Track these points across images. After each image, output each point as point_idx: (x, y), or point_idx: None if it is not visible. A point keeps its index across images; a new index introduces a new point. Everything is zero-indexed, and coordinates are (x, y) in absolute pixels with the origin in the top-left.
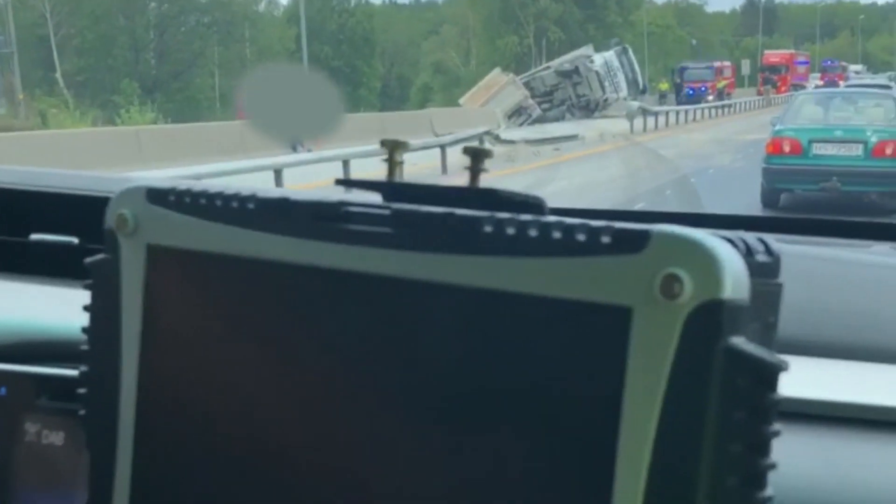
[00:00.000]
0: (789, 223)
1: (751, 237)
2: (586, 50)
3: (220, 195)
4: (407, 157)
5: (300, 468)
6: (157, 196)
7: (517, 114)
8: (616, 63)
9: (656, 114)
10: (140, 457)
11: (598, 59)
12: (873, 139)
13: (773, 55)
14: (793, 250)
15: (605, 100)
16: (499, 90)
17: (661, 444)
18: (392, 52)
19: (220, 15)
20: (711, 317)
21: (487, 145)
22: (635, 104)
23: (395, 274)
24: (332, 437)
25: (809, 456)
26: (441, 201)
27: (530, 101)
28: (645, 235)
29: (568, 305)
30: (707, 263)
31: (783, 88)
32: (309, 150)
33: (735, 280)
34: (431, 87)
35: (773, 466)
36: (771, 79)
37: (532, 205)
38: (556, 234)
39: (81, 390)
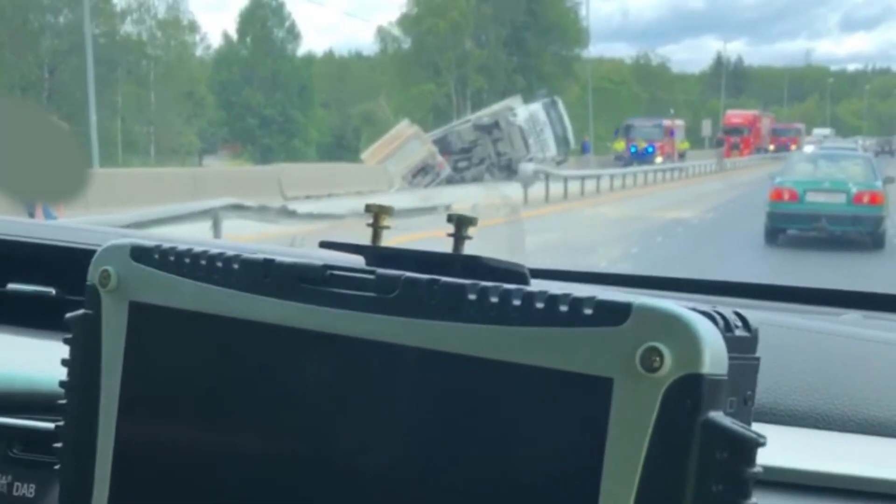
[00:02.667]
0: (766, 290)
1: (729, 312)
2: (512, 102)
3: (204, 254)
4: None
5: None
6: (142, 254)
7: (423, 172)
8: (543, 117)
9: (566, 179)
10: None
11: (522, 112)
12: (853, 189)
13: (735, 115)
14: (767, 318)
15: (530, 159)
16: (400, 145)
17: None
18: (349, 101)
19: (119, 54)
20: (691, 391)
21: (237, 219)
22: (530, 167)
23: (380, 338)
24: (315, 497)
25: None
26: (425, 267)
27: (439, 159)
28: (626, 308)
29: (550, 374)
30: (687, 338)
31: (746, 151)
32: (53, 218)
33: (714, 355)
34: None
35: None
36: (733, 141)
37: (515, 273)
38: (539, 304)
39: (58, 445)
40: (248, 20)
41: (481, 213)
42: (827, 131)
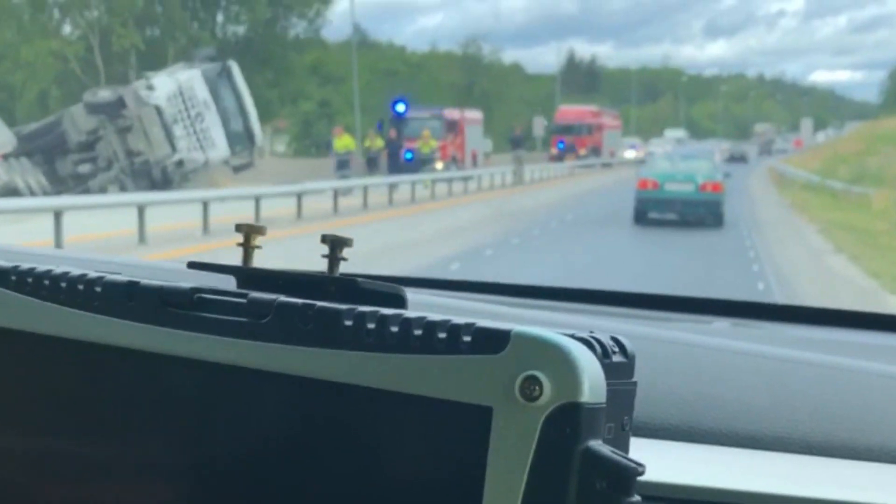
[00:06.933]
0: (638, 299)
1: (606, 337)
2: (177, 69)
3: (64, 276)
4: None
5: None
6: None
7: None
8: (203, 94)
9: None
10: None
11: (166, 84)
12: (699, 180)
13: (569, 111)
14: (640, 331)
15: (179, 162)
16: None
17: None
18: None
19: None
20: (569, 419)
21: None
22: None
23: (251, 365)
24: None
25: None
26: (299, 290)
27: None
28: (505, 336)
29: (428, 403)
30: (565, 367)
31: (581, 153)
32: None
33: (592, 383)
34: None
35: None
36: (567, 142)
37: (393, 297)
38: (417, 331)
39: None
40: None
41: None
42: (680, 133)
